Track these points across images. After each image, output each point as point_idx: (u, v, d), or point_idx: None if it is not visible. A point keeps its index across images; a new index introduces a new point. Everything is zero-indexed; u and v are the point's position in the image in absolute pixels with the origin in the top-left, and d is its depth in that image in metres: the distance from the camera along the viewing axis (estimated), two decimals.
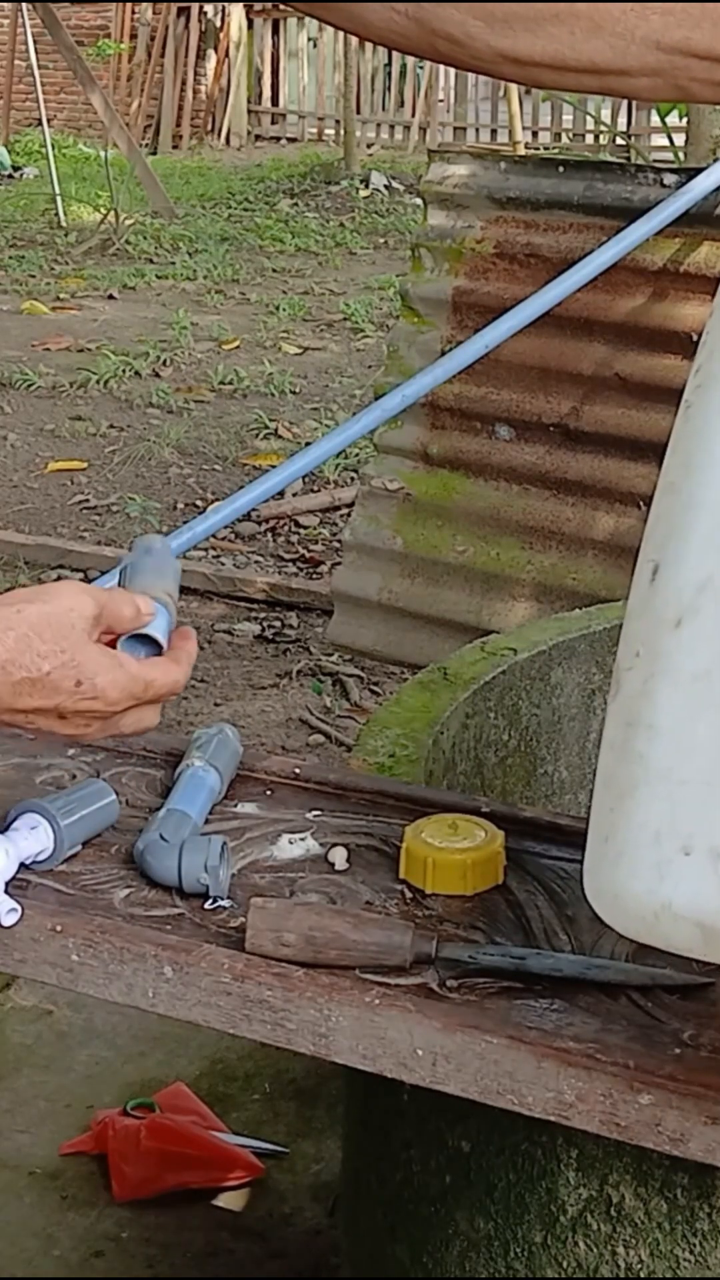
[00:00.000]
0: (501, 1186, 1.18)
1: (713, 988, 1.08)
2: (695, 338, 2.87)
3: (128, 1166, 2.13)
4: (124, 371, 6.41)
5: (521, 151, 8.62)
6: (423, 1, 1.05)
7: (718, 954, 0.94)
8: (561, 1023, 1.03)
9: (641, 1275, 1.11)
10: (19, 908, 1.11)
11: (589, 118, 11.68)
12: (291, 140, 14.38)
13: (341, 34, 10.19)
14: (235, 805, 1.27)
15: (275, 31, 14.63)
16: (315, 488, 5.08)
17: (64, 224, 9.82)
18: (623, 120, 12.17)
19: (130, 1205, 2.11)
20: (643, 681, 0.98)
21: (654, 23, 1.04)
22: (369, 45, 11.32)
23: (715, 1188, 1.07)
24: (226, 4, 14.03)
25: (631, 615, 1.03)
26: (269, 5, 14.09)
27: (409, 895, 1.16)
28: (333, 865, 1.19)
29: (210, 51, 14.24)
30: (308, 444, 3.79)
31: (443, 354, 2.94)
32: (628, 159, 9.41)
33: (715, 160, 2.85)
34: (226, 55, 14.27)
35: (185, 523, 2.01)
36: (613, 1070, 0.98)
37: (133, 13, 14.02)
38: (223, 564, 4.48)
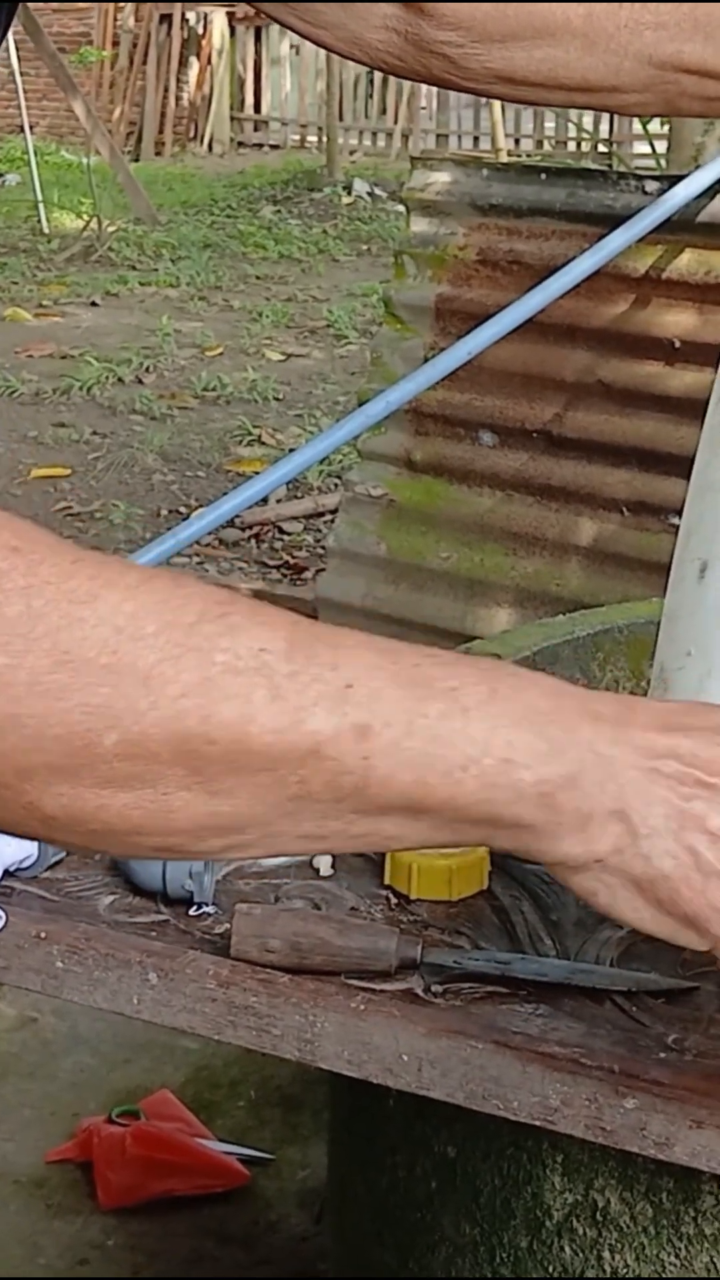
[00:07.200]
0: (487, 1191, 1.18)
1: (698, 992, 1.08)
2: (677, 344, 2.88)
3: (113, 1174, 2.12)
4: (107, 378, 6.40)
5: (504, 158, 8.63)
6: (421, 19, 1.05)
7: None
8: (546, 1027, 1.03)
9: (627, 1278, 1.11)
10: (3, 915, 1.10)
11: (571, 125, 11.71)
12: (274, 147, 14.39)
13: None
14: None
15: (257, 39, 14.64)
16: (299, 494, 5.08)
17: (46, 231, 9.81)
18: (605, 127, 12.19)
19: (115, 1213, 2.11)
20: (698, 680, 0.98)
21: (647, 38, 1.04)
22: None
23: (700, 1192, 1.07)
24: (209, 11, 14.04)
25: (676, 615, 1.03)
26: (251, 12, 14.10)
27: (394, 901, 1.16)
28: (317, 871, 1.19)
29: (193, 59, 14.24)
30: (291, 450, 3.79)
31: (426, 360, 2.94)
32: (609, 166, 9.43)
33: (697, 167, 2.86)
34: (209, 62, 14.28)
35: (169, 529, 2.01)
36: (598, 1075, 0.98)
37: (115, 20, 14.03)
38: (206, 570, 4.48)
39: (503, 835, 0.72)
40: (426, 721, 0.68)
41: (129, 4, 13.75)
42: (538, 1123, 1.00)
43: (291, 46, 14.53)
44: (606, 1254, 1.11)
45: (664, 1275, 1.09)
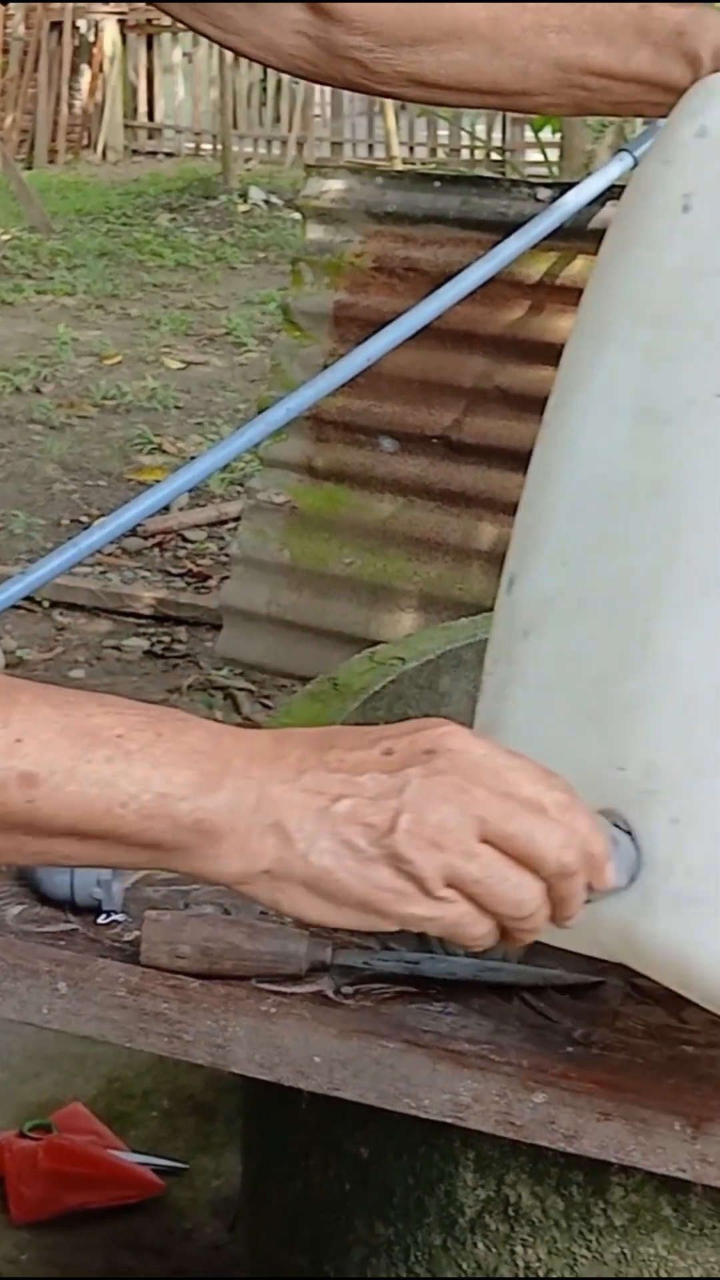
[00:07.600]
0: (400, 1191, 1.19)
1: (603, 986, 1.10)
2: None
3: (25, 1188, 2.11)
4: (4, 388, 6.35)
5: (398, 166, 8.66)
6: (331, 25, 1.07)
7: (584, 946, 0.97)
8: (456, 1025, 1.04)
9: (540, 1275, 1.13)
10: None
11: (465, 133, 11.77)
12: (169, 155, 14.32)
13: (216, 49, 10.16)
14: None
15: (149, 46, 14.57)
16: (201, 502, 5.07)
17: None
18: (498, 135, 12.27)
19: (29, 1227, 2.09)
20: (500, 685, 1.04)
21: (551, 41, 1.07)
22: (243, 61, 11.30)
23: (609, 1184, 1.08)
24: (99, 19, 13.96)
25: (494, 623, 1.09)
26: (144, 20, 14.05)
27: None
28: None
29: (84, 66, 14.15)
30: (192, 459, 3.79)
31: (325, 367, 2.95)
32: (503, 174, 9.50)
33: (588, 175, 2.89)
34: (101, 70, 14.19)
35: (70, 539, 2.00)
36: (507, 1070, 1.00)
37: (4, 27, 13.91)
38: (109, 579, 4.46)
39: (171, 858, 0.80)
40: (91, 766, 0.77)
41: (18, 11, 13.63)
42: (449, 1120, 1.01)
43: (184, 54, 14.48)
44: (519, 1249, 1.13)
45: (575, 1268, 1.11)
